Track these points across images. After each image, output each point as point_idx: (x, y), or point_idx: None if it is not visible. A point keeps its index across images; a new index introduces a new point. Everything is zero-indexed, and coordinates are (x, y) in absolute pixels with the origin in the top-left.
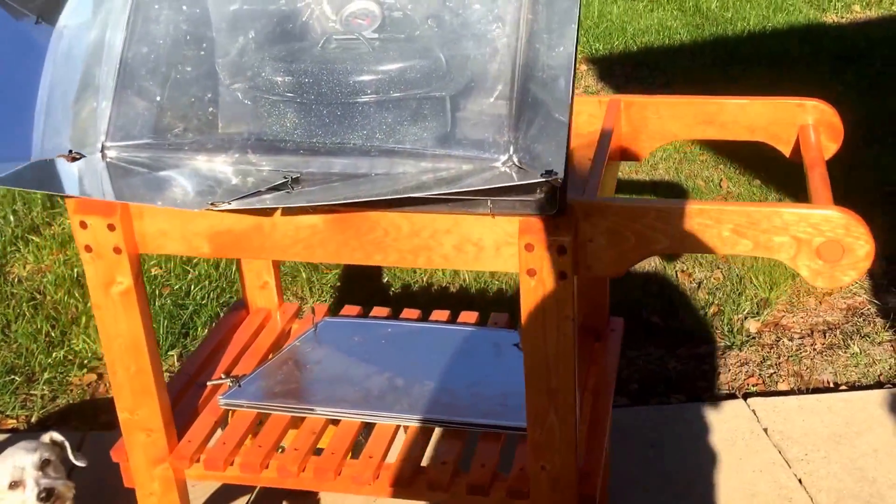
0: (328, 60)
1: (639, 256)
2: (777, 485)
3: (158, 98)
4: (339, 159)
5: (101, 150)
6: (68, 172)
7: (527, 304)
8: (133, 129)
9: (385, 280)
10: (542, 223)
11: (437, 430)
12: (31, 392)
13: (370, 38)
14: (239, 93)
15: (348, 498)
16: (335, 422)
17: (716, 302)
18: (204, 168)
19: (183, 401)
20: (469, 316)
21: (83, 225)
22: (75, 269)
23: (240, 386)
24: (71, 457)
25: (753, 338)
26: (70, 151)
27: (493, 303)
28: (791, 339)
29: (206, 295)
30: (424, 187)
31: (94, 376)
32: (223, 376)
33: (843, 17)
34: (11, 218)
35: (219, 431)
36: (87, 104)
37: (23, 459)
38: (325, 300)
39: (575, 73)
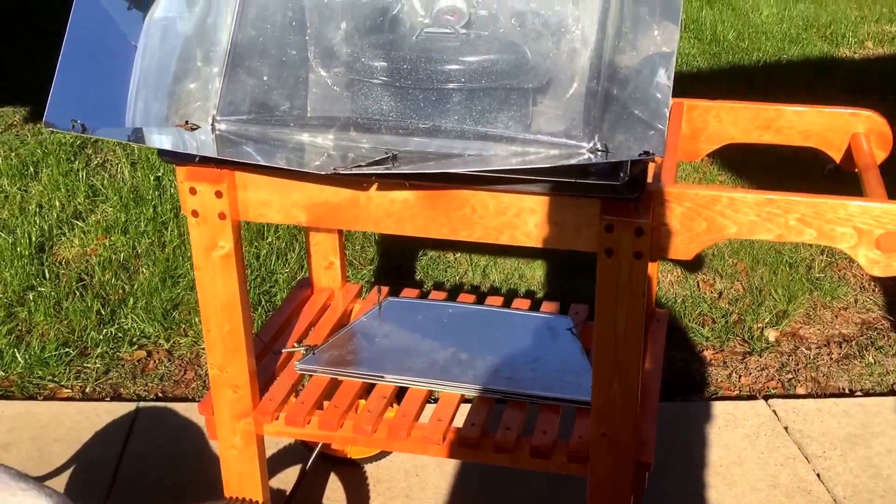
0: (423, 50)
1: (709, 241)
2: (797, 478)
3: (266, 77)
4: (434, 140)
5: (212, 123)
6: (184, 141)
7: (602, 281)
8: (242, 105)
9: (418, 278)
10: (621, 206)
11: (500, 404)
12: (85, 365)
13: (461, 32)
14: (339, 76)
15: (393, 467)
16: (401, 394)
17: (736, 311)
18: (307, 142)
19: (260, 365)
20: (522, 303)
21: (192, 191)
22: (120, 254)
23: (314, 354)
24: None
25: (772, 346)
26: (186, 122)
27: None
28: (808, 349)
29: (249, 283)
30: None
31: (143, 353)
32: (296, 345)
33: (856, 53)
34: (57, 203)
35: (291, 399)
36: (188, 86)
37: None
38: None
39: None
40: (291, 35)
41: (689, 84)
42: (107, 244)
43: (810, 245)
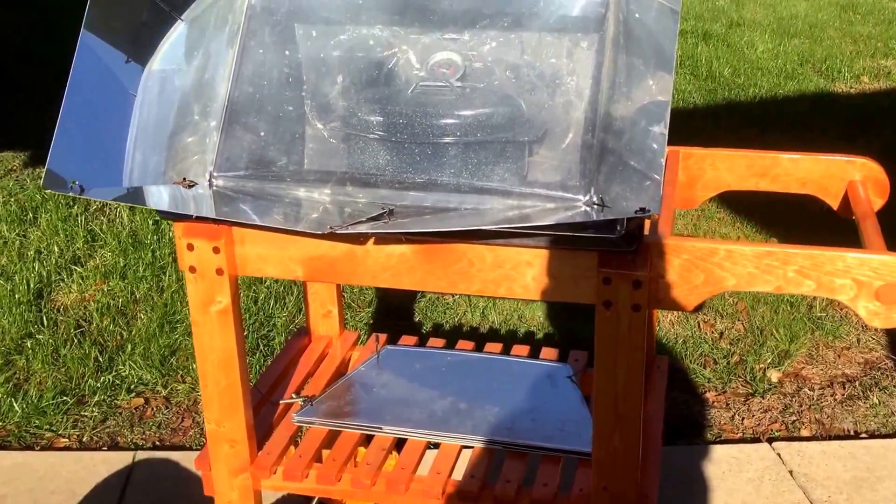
0: (419, 104)
1: (708, 293)
2: None
3: (263, 133)
4: (430, 194)
5: (209, 179)
6: (182, 198)
7: (601, 333)
8: (239, 161)
9: (417, 319)
10: (619, 258)
11: (500, 453)
12: (82, 413)
13: (456, 85)
14: (336, 131)
15: None
16: (402, 441)
17: (737, 352)
18: (304, 198)
19: (258, 417)
20: (521, 349)
21: (190, 247)
22: (119, 300)
23: (311, 405)
24: None
25: (775, 386)
26: (184, 179)
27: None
28: (812, 389)
29: (247, 328)
30: (512, 222)
31: (141, 400)
32: (294, 396)
33: (851, 88)
34: (55, 249)
35: (291, 449)
36: (185, 140)
37: None
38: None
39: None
40: (288, 91)
41: (686, 120)
42: (105, 290)
43: None
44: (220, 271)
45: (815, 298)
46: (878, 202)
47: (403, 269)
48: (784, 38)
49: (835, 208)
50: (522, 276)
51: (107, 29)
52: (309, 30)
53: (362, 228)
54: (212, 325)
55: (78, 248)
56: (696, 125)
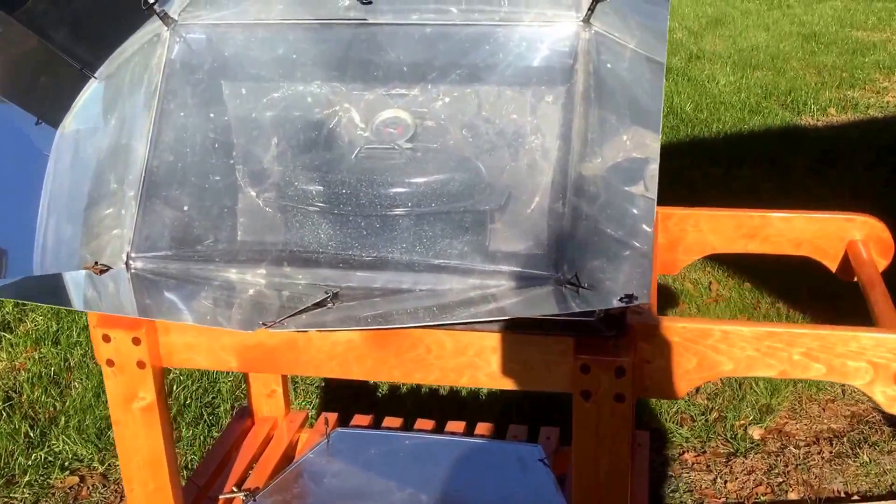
0: (364, 171)
1: (701, 379)
2: None
3: (186, 208)
4: (380, 274)
5: (126, 262)
6: (95, 287)
7: (580, 425)
8: (160, 240)
9: (371, 383)
10: (598, 343)
11: None
12: (12, 495)
13: (405, 147)
14: (270, 203)
15: None
16: None
17: (716, 408)
18: (236, 280)
19: None
20: (484, 427)
21: (106, 338)
22: (51, 367)
23: (255, 500)
24: None
25: (758, 444)
26: (96, 263)
27: (483, 408)
28: (797, 447)
29: (190, 395)
30: (474, 302)
31: (76, 479)
32: (235, 490)
33: (818, 120)
34: None
35: None
36: (101, 212)
37: None
38: (310, 401)
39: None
40: (214, 158)
41: None
42: (36, 357)
43: None
44: (141, 364)
45: None
46: (882, 262)
47: (352, 358)
48: (746, 70)
49: (833, 270)
50: (487, 363)
51: (12, 88)
52: (237, 88)
53: (300, 324)
54: (135, 424)
55: (7, 313)
56: (661, 165)
